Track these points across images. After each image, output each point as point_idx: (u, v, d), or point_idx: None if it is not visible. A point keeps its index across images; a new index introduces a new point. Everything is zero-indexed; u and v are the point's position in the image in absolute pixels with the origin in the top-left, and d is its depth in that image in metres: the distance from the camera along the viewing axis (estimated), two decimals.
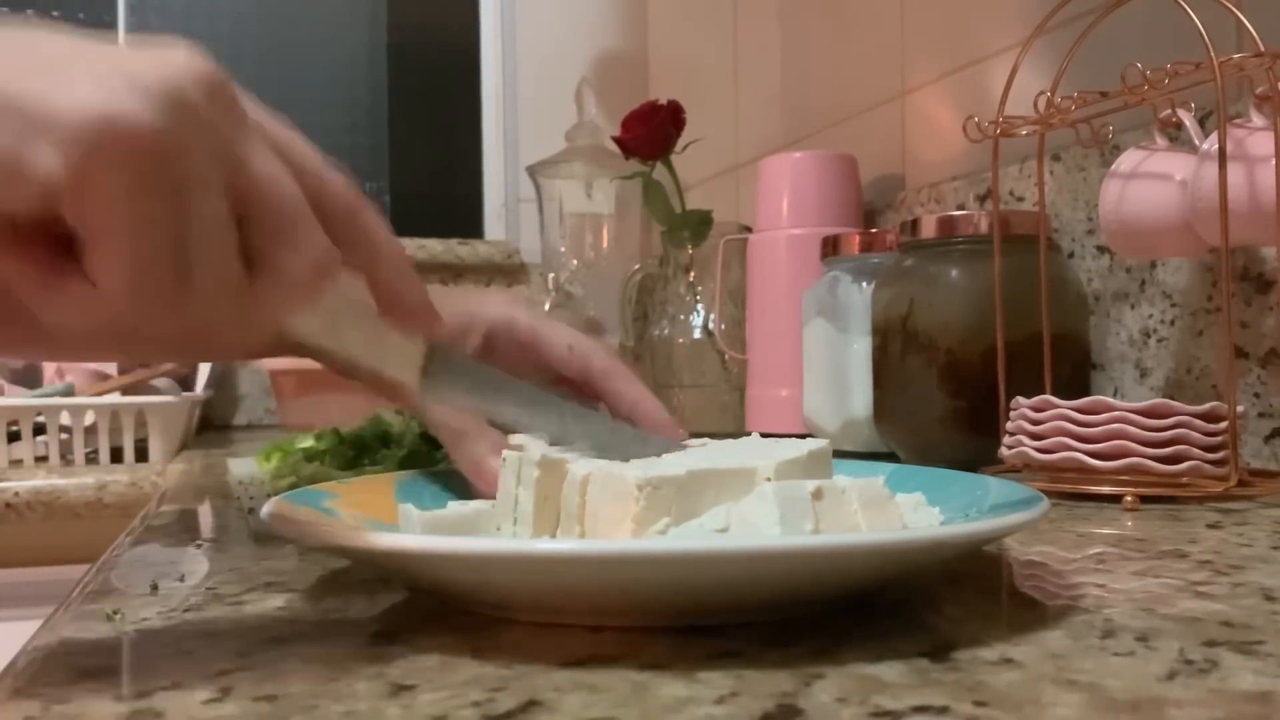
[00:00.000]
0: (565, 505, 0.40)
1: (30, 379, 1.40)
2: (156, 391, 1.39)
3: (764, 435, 0.52)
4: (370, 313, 0.38)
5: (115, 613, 0.39)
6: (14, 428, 1.23)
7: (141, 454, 1.27)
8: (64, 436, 1.25)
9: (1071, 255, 0.91)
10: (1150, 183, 0.72)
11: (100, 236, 0.29)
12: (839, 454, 0.49)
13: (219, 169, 0.31)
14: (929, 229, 0.85)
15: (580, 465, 0.40)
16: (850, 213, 1.13)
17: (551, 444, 0.45)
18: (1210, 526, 0.55)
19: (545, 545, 0.33)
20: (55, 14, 1.85)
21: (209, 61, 0.31)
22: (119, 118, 0.28)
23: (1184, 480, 0.63)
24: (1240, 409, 0.65)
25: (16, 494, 1.13)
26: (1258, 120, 0.66)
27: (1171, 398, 0.66)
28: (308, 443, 0.70)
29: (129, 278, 0.30)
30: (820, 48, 1.40)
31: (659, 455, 0.45)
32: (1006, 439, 0.70)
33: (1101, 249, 0.89)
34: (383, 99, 2.02)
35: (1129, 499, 0.61)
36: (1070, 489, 0.65)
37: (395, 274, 0.38)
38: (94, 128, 0.28)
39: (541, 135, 1.78)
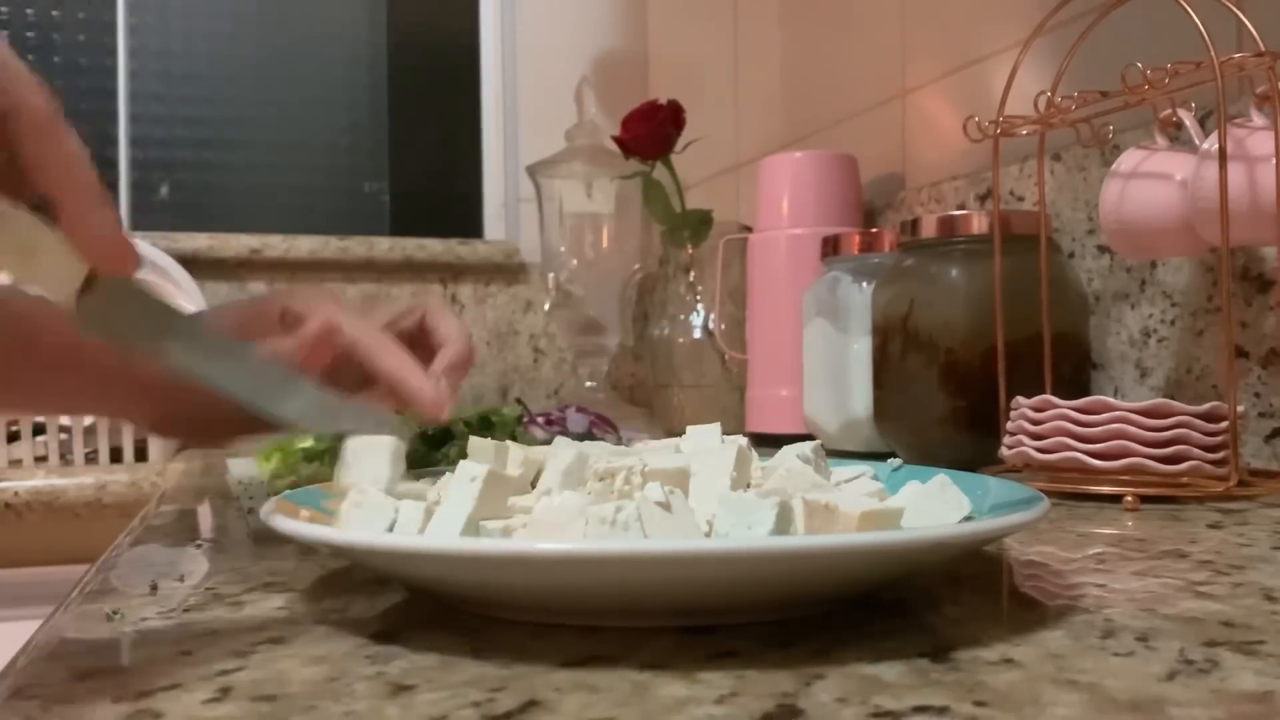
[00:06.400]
0: None
1: None
2: None
3: (755, 435, 0.51)
4: (24, 220, 0.35)
5: (115, 613, 0.39)
6: (14, 428, 1.23)
7: (141, 454, 1.27)
8: (63, 436, 1.25)
9: (1072, 255, 0.91)
10: (1150, 182, 0.72)
11: None
12: (840, 454, 0.49)
13: None
14: (929, 229, 0.85)
15: None
16: (850, 213, 1.13)
17: (231, 392, 0.42)
18: (1211, 526, 0.55)
19: (545, 545, 0.33)
20: (55, 14, 1.85)
21: None
22: None
23: (1184, 480, 0.63)
24: (1240, 409, 0.65)
25: (16, 494, 1.13)
26: (1258, 120, 0.66)
27: (1172, 398, 0.66)
28: (308, 443, 0.69)
29: None
30: (820, 48, 1.40)
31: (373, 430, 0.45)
32: (1007, 439, 0.70)
33: (1102, 249, 0.89)
34: (383, 99, 2.02)
35: (1129, 499, 0.61)
36: (1070, 489, 0.65)
37: (85, 202, 0.35)
38: None
39: (541, 135, 1.78)
